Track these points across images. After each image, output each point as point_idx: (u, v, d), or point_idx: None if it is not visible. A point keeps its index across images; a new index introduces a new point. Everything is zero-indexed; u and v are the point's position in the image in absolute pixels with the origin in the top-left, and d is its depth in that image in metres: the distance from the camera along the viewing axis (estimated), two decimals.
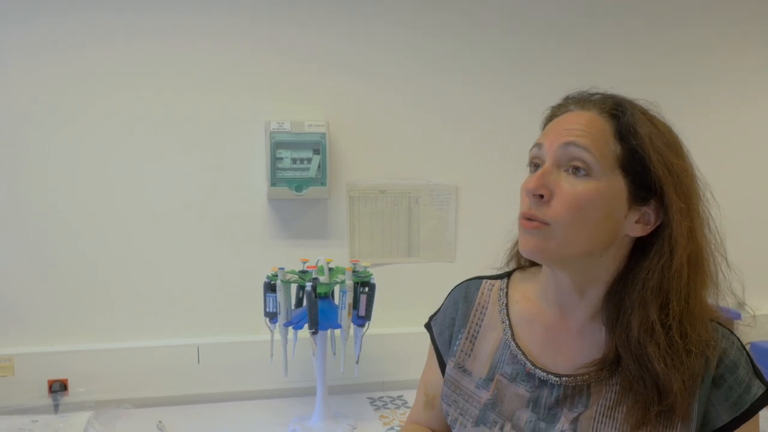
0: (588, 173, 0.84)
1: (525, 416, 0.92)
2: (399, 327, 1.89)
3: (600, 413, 0.88)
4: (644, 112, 0.88)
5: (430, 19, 1.89)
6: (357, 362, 1.63)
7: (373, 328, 1.65)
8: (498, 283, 1.03)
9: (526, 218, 0.86)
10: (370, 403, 1.82)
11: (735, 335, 0.90)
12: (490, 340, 0.99)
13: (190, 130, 1.78)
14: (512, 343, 0.96)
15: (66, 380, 1.71)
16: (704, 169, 0.90)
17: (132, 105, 1.74)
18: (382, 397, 1.86)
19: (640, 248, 0.88)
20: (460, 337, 1.01)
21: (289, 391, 1.82)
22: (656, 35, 2.04)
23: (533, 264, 1.02)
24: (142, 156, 1.76)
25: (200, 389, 1.80)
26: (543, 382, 0.92)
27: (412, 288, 1.93)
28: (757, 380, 0.88)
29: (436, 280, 1.92)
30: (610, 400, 0.88)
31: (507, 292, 1.01)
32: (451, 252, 1.97)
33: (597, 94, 0.92)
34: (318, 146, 1.79)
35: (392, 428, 1.66)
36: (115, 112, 1.74)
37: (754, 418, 0.87)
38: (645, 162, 0.84)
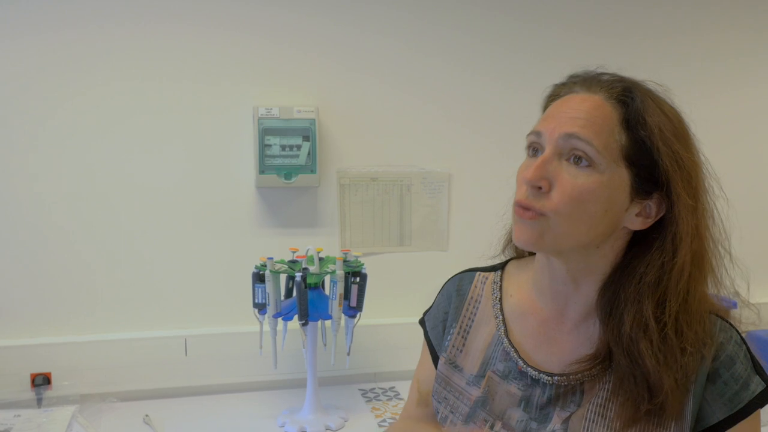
0: (590, 164, 0.79)
1: (516, 415, 0.89)
2: (391, 317, 1.87)
3: (592, 412, 0.85)
4: (653, 98, 0.83)
5: (423, 4, 1.85)
6: (348, 353, 1.61)
7: (364, 318, 1.63)
8: (492, 275, 0.99)
9: (522, 207, 0.82)
10: (362, 394, 1.80)
11: (735, 329, 0.86)
12: (482, 335, 0.95)
13: (176, 116, 1.74)
14: (505, 339, 0.92)
15: (49, 373, 1.67)
16: (708, 156, 0.86)
17: (117, 92, 1.69)
18: (373, 389, 1.83)
19: (637, 240, 0.85)
20: (452, 331, 0.98)
21: (279, 383, 1.80)
22: (655, 17, 2.01)
23: (531, 252, 0.98)
24: (127, 144, 1.72)
25: (188, 382, 1.76)
26: (535, 381, 0.89)
27: (404, 278, 1.90)
28: (757, 377, 0.83)
29: (429, 270, 1.90)
30: (602, 398, 0.85)
31: (501, 286, 0.97)
32: (444, 241, 1.94)
33: (605, 74, 0.86)
34: (307, 133, 1.74)
35: (384, 420, 1.64)
36: (100, 100, 1.69)
37: (753, 416, 0.83)
38: (652, 155, 0.80)
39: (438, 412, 0.98)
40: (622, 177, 0.80)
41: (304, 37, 1.78)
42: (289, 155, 1.74)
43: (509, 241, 0.99)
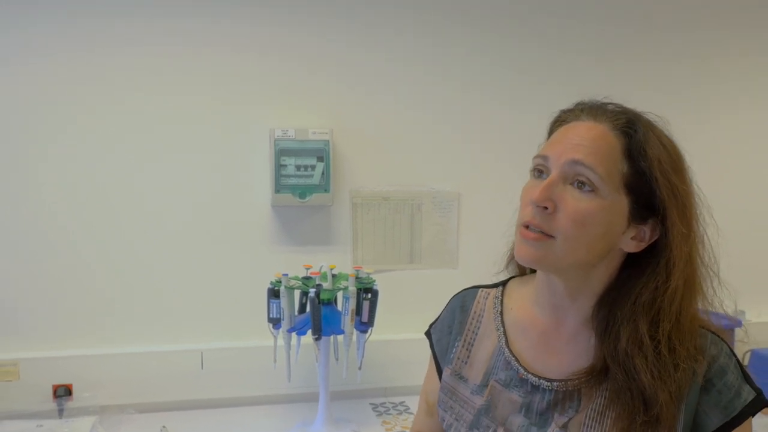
0: (593, 190, 0.84)
1: (517, 421, 0.94)
2: (401, 333, 1.90)
3: (590, 417, 0.89)
4: (654, 130, 0.88)
5: (434, 27, 1.91)
6: (360, 368, 1.65)
7: (375, 334, 1.66)
8: (494, 291, 1.04)
9: (527, 227, 0.86)
10: (373, 409, 1.83)
11: (724, 342, 0.90)
12: (485, 348, 1.00)
13: (195, 137, 1.80)
14: (506, 349, 0.97)
15: (71, 385, 1.72)
16: (700, 184, 0.90)
17: (135, 112, 1.76)
18: (384, 403, 1.87)
19: (631, 261, 0.90)
20: (456, 344, 1.03)
21: (292, 396, 1.84)
22: (658, 41, 2.06)
23: (532, 270, 1.02)
24: (145, 163, 1.78)
25: (204, 395, 1.81)
26: (535, 388, 0.93)
27: (414, 294, 1.94)
28: (747, 386, 0.88)
29: (439, 287, 1.92)
30: (600, 405, 0.89)
31: (502, 300, 1.02)
32: (453, 259, 1.98)
33: (610, 104, 0.91)
34: (322, 153, 1.80)
35: None
36: (118, 121, 1.75)
37: (745, 423, 0.87)
38: (651, 184, 0.85)
39: (443, 420, 1.02)
40: (621, 203, 0.85)
41: (320, 61, 1.85)
42: (303, 175, 1.80)
43: (512, 258, 1.03)
